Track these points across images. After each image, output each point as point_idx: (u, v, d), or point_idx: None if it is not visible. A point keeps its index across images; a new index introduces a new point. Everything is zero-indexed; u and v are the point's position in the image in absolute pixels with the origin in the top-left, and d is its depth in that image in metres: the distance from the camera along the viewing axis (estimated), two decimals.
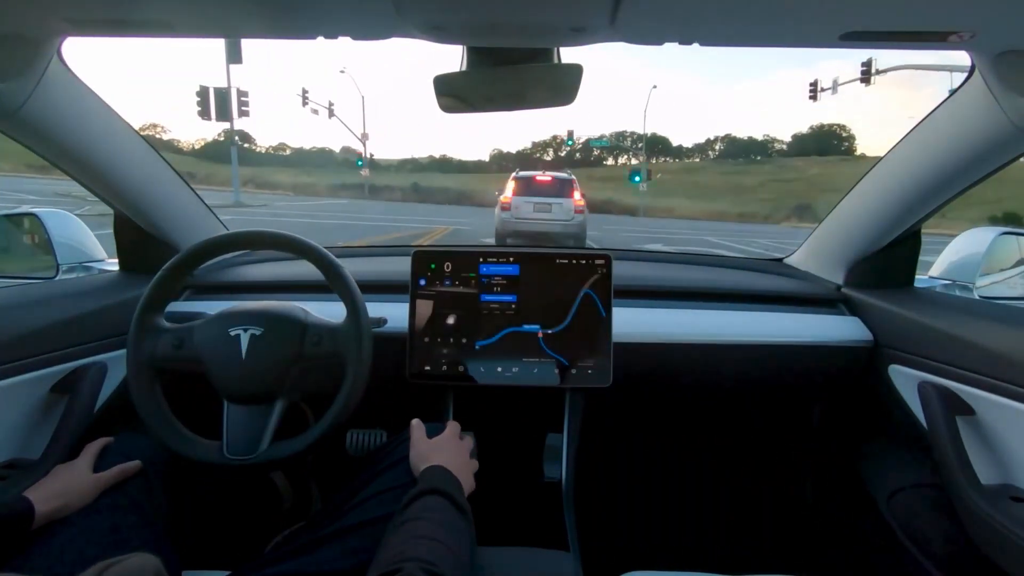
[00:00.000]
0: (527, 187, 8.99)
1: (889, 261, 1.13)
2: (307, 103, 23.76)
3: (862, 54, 18.75)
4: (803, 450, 1.35)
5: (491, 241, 9.01)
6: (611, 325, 1.01)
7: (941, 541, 0.92)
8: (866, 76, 16.70)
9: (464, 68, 0.76)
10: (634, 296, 1.14)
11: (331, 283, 0.87)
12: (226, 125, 19.14)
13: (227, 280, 1.19)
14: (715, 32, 0.64)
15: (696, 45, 0.66)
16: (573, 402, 1.06)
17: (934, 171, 0.92)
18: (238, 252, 1.33)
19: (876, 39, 0.63)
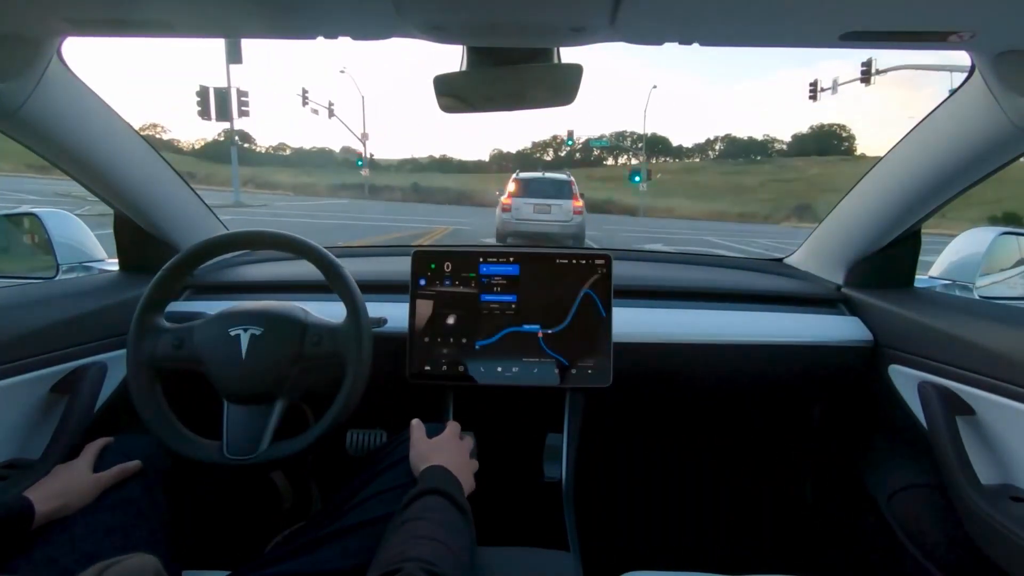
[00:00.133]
0: (527, 188, 9.22)
1: (889, 261, 1.13)
2: (307, 103, 23.76)
3: (862, 54, 18.76)
4: (803, 450, 1.35)
5: (491, 241, 9.10)
6: (611, 325, 1.01)
7: (941, 541, 0.92)
8: (866, 76, 16.70)
9: (464, 68, 0.76)
10: (634, 296, 1.14)
11: (331, 283, 0.87)
12: (226, 125, 19.16)
13: (227, 280, 1.20)
14: (715, 32, 0.64)
15: (696, 45, 0.66)
16: (573, 402, 1.06)
17: (934, 171, 0.92)
18: (238, 252, 1.33)
19: (876, 39, 0.63)
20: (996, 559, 0.78)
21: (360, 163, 34.51)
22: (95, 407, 0.92)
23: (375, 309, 0.91)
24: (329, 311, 0.92)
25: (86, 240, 1.31)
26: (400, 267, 1.07)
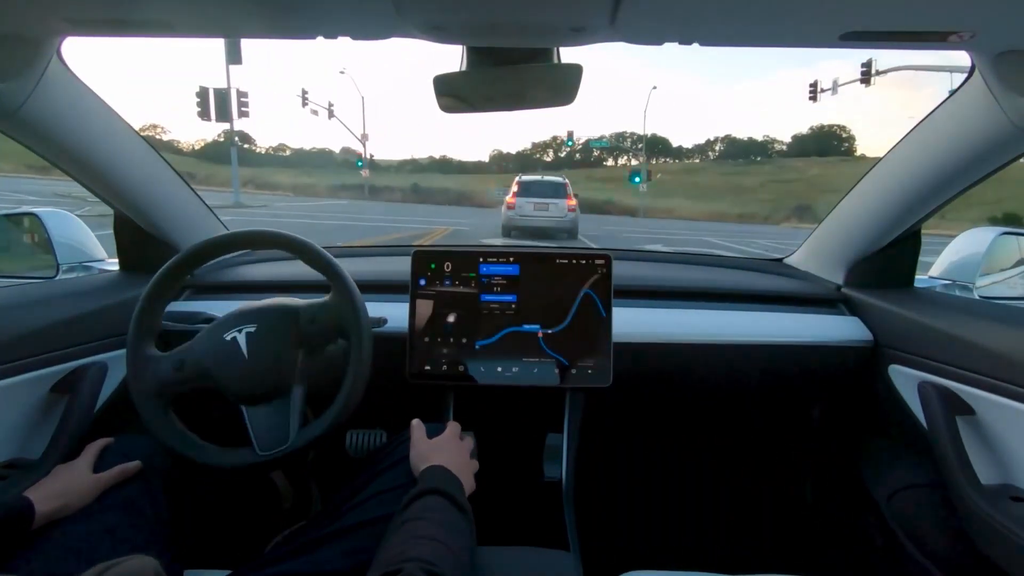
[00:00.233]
0: (528, 190, 11.34)
1: (889, 261, 1.13)
2: (307, 104, 23.76)
3: (862, 54, 18.78)
4: (803, 450, 1.35)
5: (491, 240, 9.33)
6: (611, 325, 1.01)
7: (941, 541, 0.92)
8: (866, 77, 16.70)
9: (464, 68, 0.76)
10: (634, 296, 1.14)
11: (330, 283, 0.88)
12: (226, 126, 19.18)
13: (227, 280, 1.20)
14: (715, 32, 0.64)
15: (696, 45, 0.66)
16: (573, 402, 1.06)
17: (934, 171, 0.92)
18: (238, 252, 1.33)
19: (876, 39, 0.63)
20: (996, 559, 0.78)
21: (360, 164, 34.47)
22: (95, 407, 0.92)
23: (375, 309, 0.91)
24: None
25: (86, 240, 1.31)
26: (400, 267, 1.07)
